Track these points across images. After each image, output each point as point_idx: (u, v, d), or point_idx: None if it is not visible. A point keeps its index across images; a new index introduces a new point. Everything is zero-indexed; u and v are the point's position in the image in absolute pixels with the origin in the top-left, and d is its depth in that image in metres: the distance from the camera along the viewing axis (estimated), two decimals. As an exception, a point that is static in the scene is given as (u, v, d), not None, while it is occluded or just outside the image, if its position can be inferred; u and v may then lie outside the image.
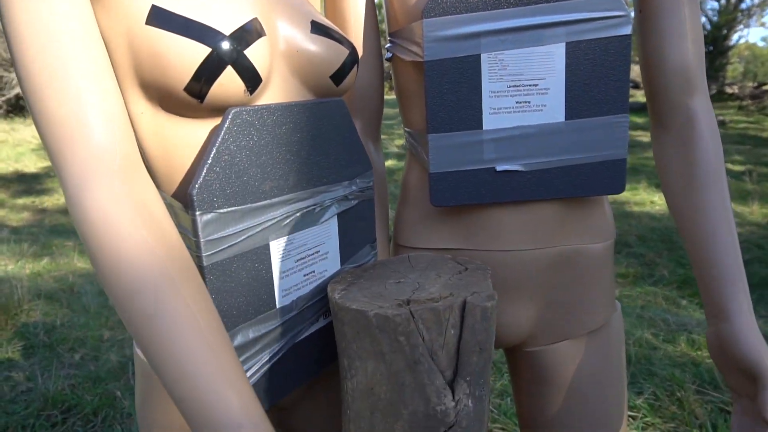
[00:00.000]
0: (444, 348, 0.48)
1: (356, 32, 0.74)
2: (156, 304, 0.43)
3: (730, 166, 7.93)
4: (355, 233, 0.66)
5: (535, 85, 0.65)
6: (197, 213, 0.48)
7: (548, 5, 0.63)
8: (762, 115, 13.40)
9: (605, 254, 0.76)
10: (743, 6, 16.34)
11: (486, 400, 0.51)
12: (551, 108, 0.66)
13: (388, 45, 0.76)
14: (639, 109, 10.99)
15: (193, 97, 0.48)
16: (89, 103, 0.43)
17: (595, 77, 0.65)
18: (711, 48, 15.30)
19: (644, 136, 8.93)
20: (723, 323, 0.67)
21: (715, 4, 16.99)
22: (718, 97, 15.54)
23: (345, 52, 0.60)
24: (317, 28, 0.58)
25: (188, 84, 0.47)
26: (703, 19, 16.92)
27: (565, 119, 0.66)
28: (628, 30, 0.64)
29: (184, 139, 0.51)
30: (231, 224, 0.51)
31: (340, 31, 0.65)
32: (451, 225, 0.74)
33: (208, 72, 0.47)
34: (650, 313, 2.93)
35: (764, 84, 16.17)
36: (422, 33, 0.64)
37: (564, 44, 0.64)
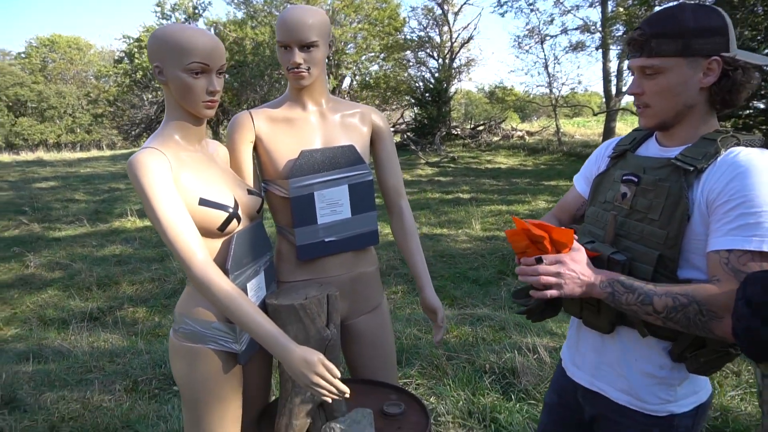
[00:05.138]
0: (323, 313, 1.30)
1: (250, 181, 1.51)
2: (237, 301, 1.16)
3: (461, 195, 10.06)
4: (257, 247, 1.42)
5: (337, 203, 1.51)
6: (230, 275, 1.22)
7: (339, 170, 1.49)
8: (479, 150, 16.83)
9: (376, 272, 1.66)
10: (455, 65, 20.31)
11: (339, 331, 1.34)
12: (345, 211, 1.53)
13: (263, 185, 1.54)
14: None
15: (219, 230, 1.22)
16: (194, 239, 1.14)
17: (361, 197, 1.54)
18: (438, 99, 18.61)
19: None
20: (422, 292, 1.60)
21: (435, 63, 20.74)
22: (448, 137, 18.83)
23: (260, 199, 1.38)
24: (249, 192, 1.35)
25: (219, 226, 1.21)
26: (428, 75, 20.47)
27: (351, 215, 1.53)
28: (371, 177, 1.55)
29: (210, 245, 1.24)
30: (238, 277, 1.25)
31: (255, 189, 1.42)
32: (305, 268, 1.55)
33: (227, 222, 1.22)
34: (416, 317, 4.02)
35: (479, 125, 20.15)
36: (288, 185, 1.45)
37: (347, 185, 1.52)
